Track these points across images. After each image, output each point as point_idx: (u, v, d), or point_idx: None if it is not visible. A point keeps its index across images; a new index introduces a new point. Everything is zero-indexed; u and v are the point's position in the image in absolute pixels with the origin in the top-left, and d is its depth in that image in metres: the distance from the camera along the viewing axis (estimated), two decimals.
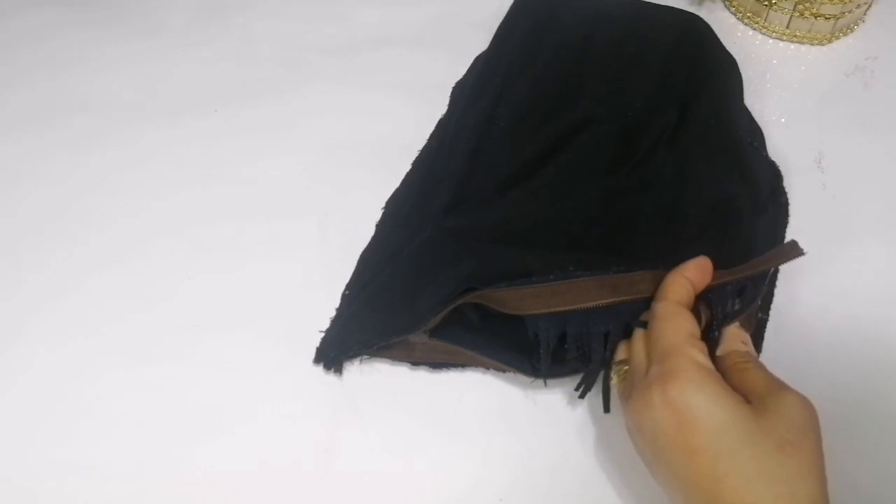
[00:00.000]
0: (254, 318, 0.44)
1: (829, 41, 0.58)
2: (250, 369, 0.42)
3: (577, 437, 0.39)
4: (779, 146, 0.50)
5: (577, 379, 0.38)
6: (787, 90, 0.55)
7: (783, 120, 0.53)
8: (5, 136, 0.54)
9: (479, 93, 0.51)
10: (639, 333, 0.35)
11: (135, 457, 0.39)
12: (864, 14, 0.59)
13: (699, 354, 0.32)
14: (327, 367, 0.41)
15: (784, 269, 0.44)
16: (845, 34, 0.58)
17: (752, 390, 0.32)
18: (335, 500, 0.38)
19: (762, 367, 0.34)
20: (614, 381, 0.36)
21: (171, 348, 0.43)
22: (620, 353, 0.36)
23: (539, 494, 0.38)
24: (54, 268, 0.47)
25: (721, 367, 0.34)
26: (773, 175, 0.48)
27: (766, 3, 0.57)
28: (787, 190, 0.48)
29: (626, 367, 0.36)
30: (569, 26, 0.52)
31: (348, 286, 0.44)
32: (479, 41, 0.56)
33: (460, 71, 0.56)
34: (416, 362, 0.41)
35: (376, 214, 0.48)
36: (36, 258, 0.47)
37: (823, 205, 0.48)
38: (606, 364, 0.37)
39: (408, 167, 0.50)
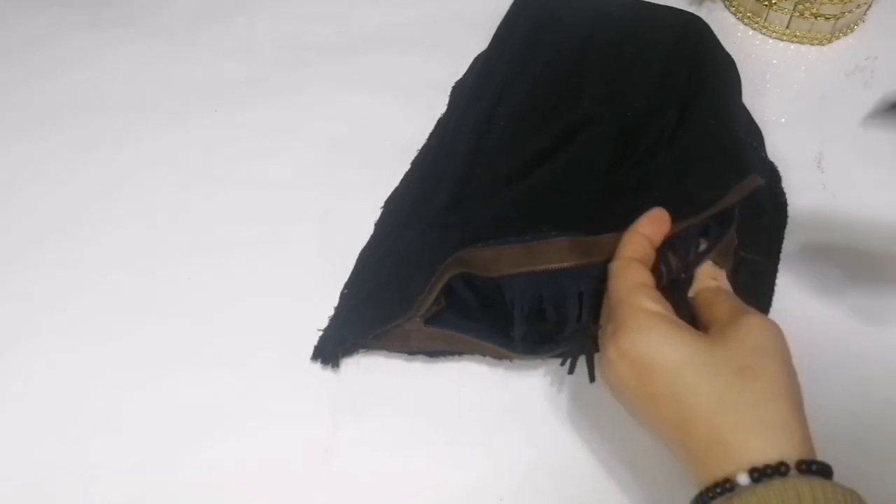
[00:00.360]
0: (253, 318, 0.44)
1: (829, 41, 0.58)
2: (250, 369, 0.42)
3: (578, 434, 0.39)
4: (779, 146, 0.50)
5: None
6: (787, 90, 0.55)
7: (783, 120, 0.53)
8: (9, 138, 0.54)
9: (478, 93, 0.51)
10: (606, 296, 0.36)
11: (135, 457, 0.39)
12: (864, 14, 0.59)
13: (646, 301, 0.32)
14: (325, 362, 0.42)
15: (783, 269, 0.44)
16: (845, 34, 0.58)
17: (716, 321, 0.32)
18: (335, 500, 0.38)
19: (728, 298, 0.34)
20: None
21: (170, 349, 0.43)
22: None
23: (539, 492, 0.38)
24: (55, 270, 0.47)
25: (694, 307, 0.34)
26: (772, 176, 0.48)
27: (766, 3, 0.57)
28: (786, 190, 0.48)
29: None
30: (569, 26, 0.52)
31: (347, 285, 0.45)
32: (479, 41, 0.56)
33: (460, 71, 0.56)
34: (412, 352, 0.41)
35: (376, 214, 0.48)
36: (38, 260, 0.47)
37: (823, 205, 0.48)
38: (585, 330, 0.37)
39: (407, 167, 0.50)
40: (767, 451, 0.27)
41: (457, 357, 0.42)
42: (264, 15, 0.62)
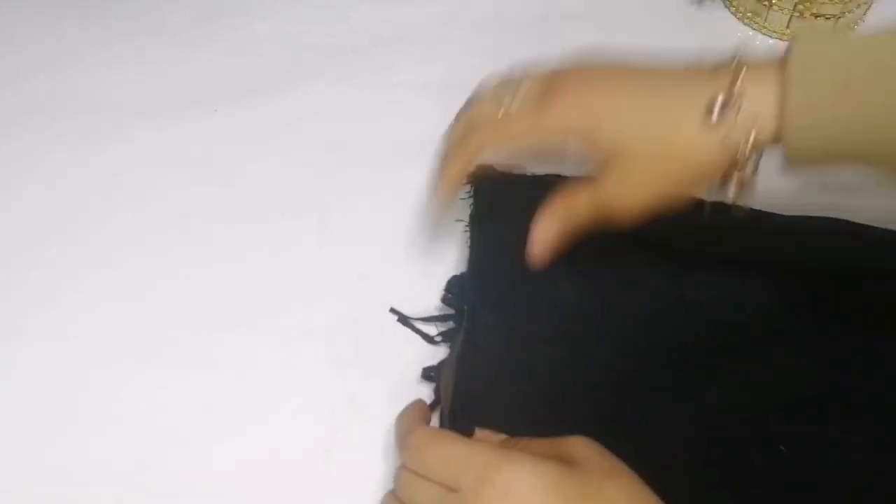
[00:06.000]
0: (253, 317, 0.44)
1: None
2: (249, 369, 0.42)
3: None
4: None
5: None
6: None
7: None
8: (4, 132, 0.54)
9: (573, 334, 0.39)
10: None
11: (133, 456, 0.39)
12: (864, 14, 0.59)
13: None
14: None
15: None
16: (845, 34, 0.58)
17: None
18: (335, 500, 0.38)
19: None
20: None
21: (169, 348, 0.43)
22: None
23: None
24: (55, 267, 0.47)
25: None
26: None
27: (766, 3, 0.57)
28: (787, 190, 0.47)
29: None
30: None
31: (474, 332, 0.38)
32: (480, 41, 0.56)
33: (461, 70, 0.55)
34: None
35: (376, 213, 0.48)
36: (37, 257, 0.47)
37: (824, 204, 0.48)
38: None
39: (409, 166, 0.50)
40: None
41: None
42: (264, 14, 0.62)
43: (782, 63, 0.31)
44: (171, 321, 0.44)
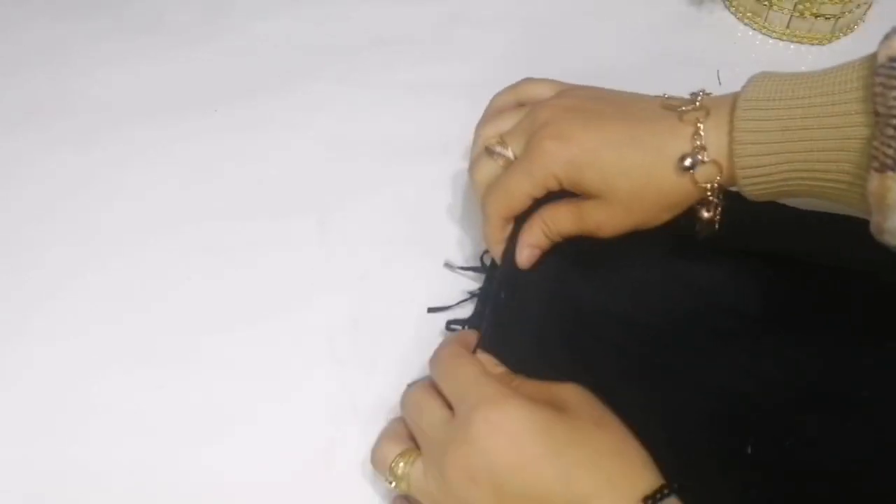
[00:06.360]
0: (253, 317, 0.44)
1: (829, 41, 0.58)
2: (249, 369, 0.42)
3: None
4: None
5: None
6: None
7: None
8: (4, 132, 0.54)
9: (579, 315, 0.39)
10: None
11: (133, 457, 0.39)
12: (864, 14, 0.59)
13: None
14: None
15: None
16: (845, 34, 0.58)
17: None
18: (335, 500, 0.38)
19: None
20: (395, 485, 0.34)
21: (170, 348, 0.43)
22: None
23: None
24: (54, 267, 0.47)
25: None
26: None
27: (766, 3, 0.57)
28: None
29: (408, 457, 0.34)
30: None
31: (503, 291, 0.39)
32: (480, 41, 0.56)
33: (461, 71, 0.56)
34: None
35: (377, 213, 0.48)
36: (37, 257, 0.47)
37: (822, 204, 0.48)
38: None
39: (409, 166, 0.50)
40: None
41: None
42: (264, 15, 0.62)
43: (733, 109, 0.34)
44: (170, 321, 0.44)
